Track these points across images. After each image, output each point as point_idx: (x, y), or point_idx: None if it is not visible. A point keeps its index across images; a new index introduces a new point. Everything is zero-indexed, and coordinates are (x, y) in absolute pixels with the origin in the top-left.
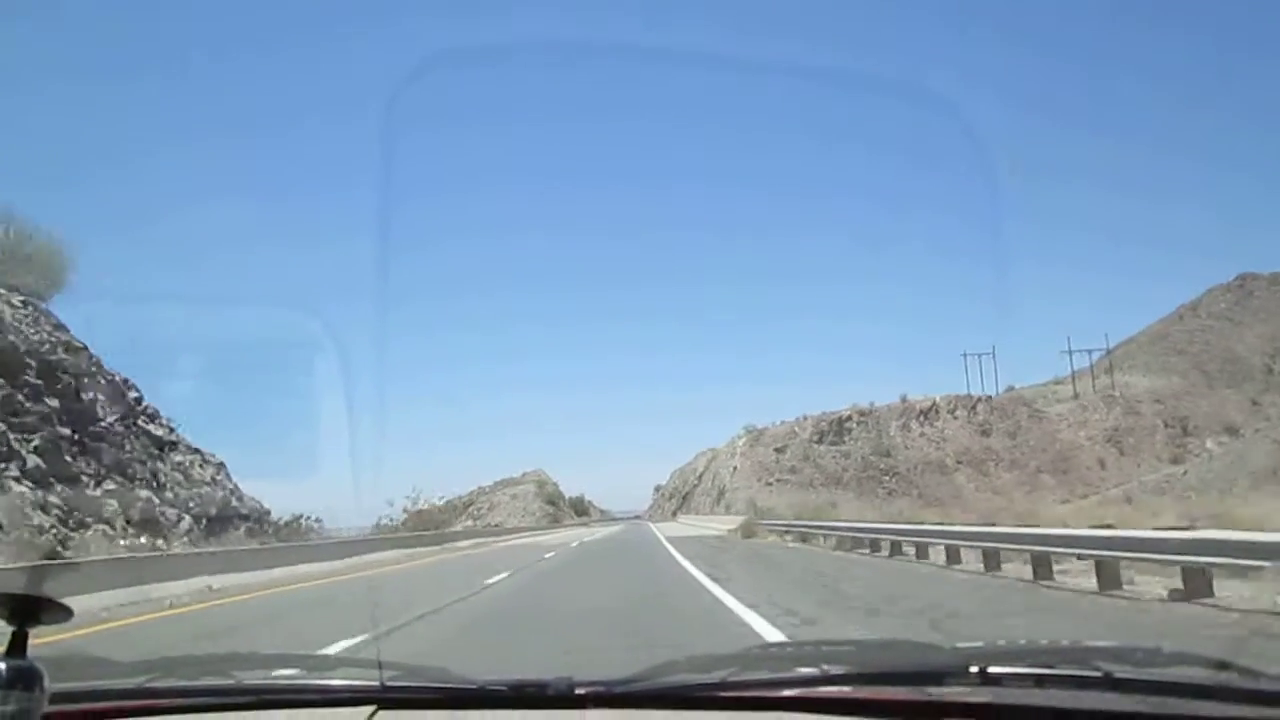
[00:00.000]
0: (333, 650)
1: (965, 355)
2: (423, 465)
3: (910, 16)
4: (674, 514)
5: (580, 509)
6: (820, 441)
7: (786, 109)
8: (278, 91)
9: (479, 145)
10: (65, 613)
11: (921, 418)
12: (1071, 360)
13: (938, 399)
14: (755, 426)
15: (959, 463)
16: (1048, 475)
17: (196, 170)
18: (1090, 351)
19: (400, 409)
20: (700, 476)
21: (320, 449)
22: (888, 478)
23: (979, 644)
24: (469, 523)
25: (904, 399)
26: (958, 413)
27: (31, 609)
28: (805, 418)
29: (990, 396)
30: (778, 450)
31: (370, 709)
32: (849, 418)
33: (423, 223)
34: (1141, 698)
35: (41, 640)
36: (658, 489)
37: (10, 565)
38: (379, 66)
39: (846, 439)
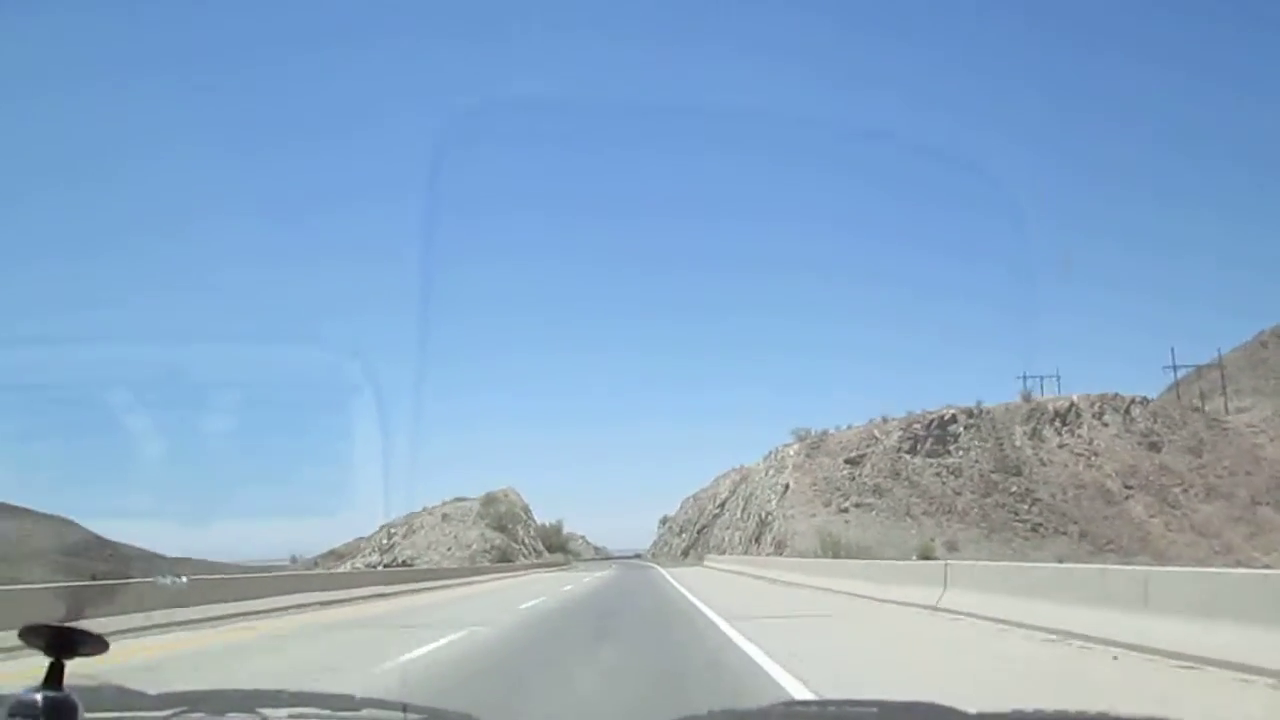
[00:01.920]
0: None
1: (1024, 377)
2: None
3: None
4: (685, 552)
5: (554, 542)
6: (914, 451)
7: (819, 153)
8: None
9: (513, 174)
10: (101, 645)
11: (1057, 422)
12: (1176, 374)
13: (1075, 398)
14: (811, 431)
15: (1128, 487)
16: (1269, 508)
17: (236, 216)
18: (1197, 368)
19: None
20: (724, 504)
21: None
22: (1025, 506)
23: (1003, 711)
24: (374, 558)
25: (1027, 397)
26: (1106, 418)
27: (69, 641)
28: (886, 419)
29: (1147, 398)
30: (851, 463)
31: None
32: (952, 419)
33: (458, 245)
34: None
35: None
36: (664, 521)
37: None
38: (417, 137)
39: (953, 448)
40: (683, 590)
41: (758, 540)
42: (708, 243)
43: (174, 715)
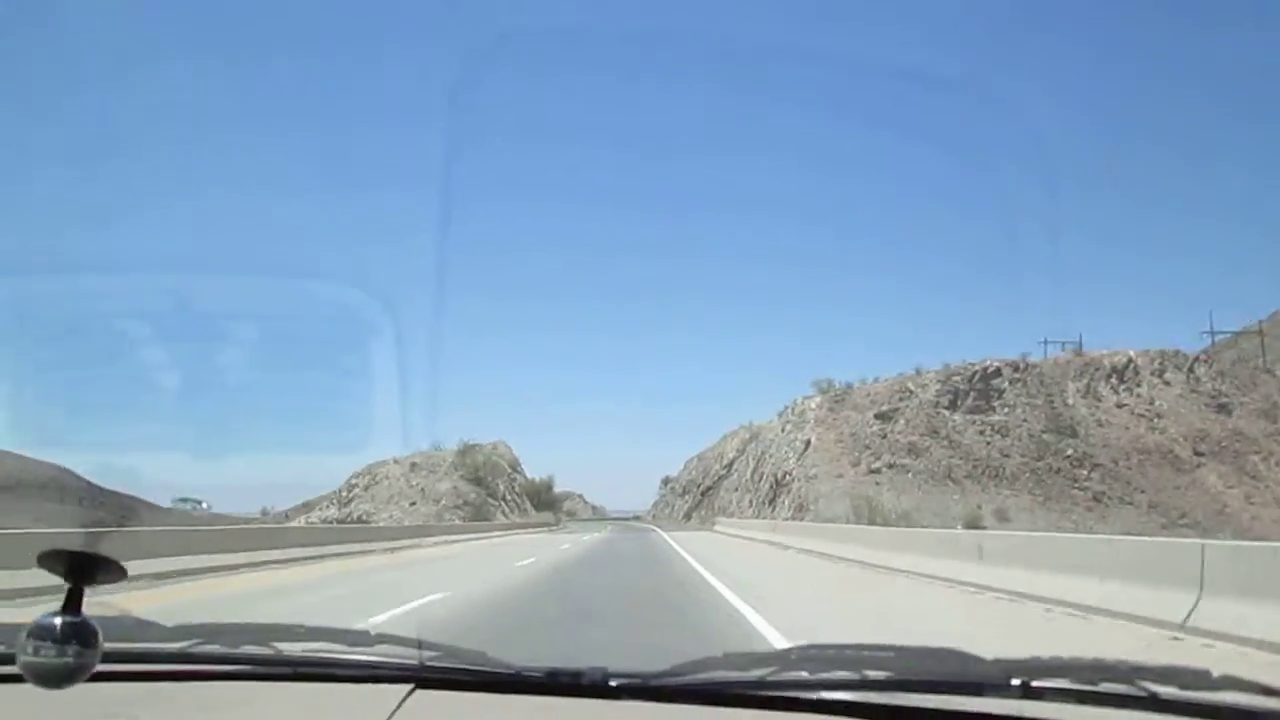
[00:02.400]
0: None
1: (1045, 342)
2: None
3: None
4: (688, 515)
5: (543, 500)
6: (953, 407)
7: (844, 100)
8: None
9: (535, 108)
10: (120, 572)
11: (1114, 379)
12: (1213, 340)
13: (1133, 354)
14: (834, 383)
15: (1198, 454)
16: None
17: (253, 147)
18: (1234, 335)
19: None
20: (731, 465)
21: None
22: (1084, 472)
23: (1023, 657)
24: (331, 512)
25: (1078, 351)
26: (1168, 375)
27: (88, 567)
28: (920, 372)
29: (1206, 356)
30: (881, 418)
31: (408, 687)
32: (996, 372)
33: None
34: None
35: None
36: (666, 482)
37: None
38: (447, 48)
39: (997, 405)
40: (709, 578)
41: (772, 503)
42: (725, 184)
43: (191, 645)
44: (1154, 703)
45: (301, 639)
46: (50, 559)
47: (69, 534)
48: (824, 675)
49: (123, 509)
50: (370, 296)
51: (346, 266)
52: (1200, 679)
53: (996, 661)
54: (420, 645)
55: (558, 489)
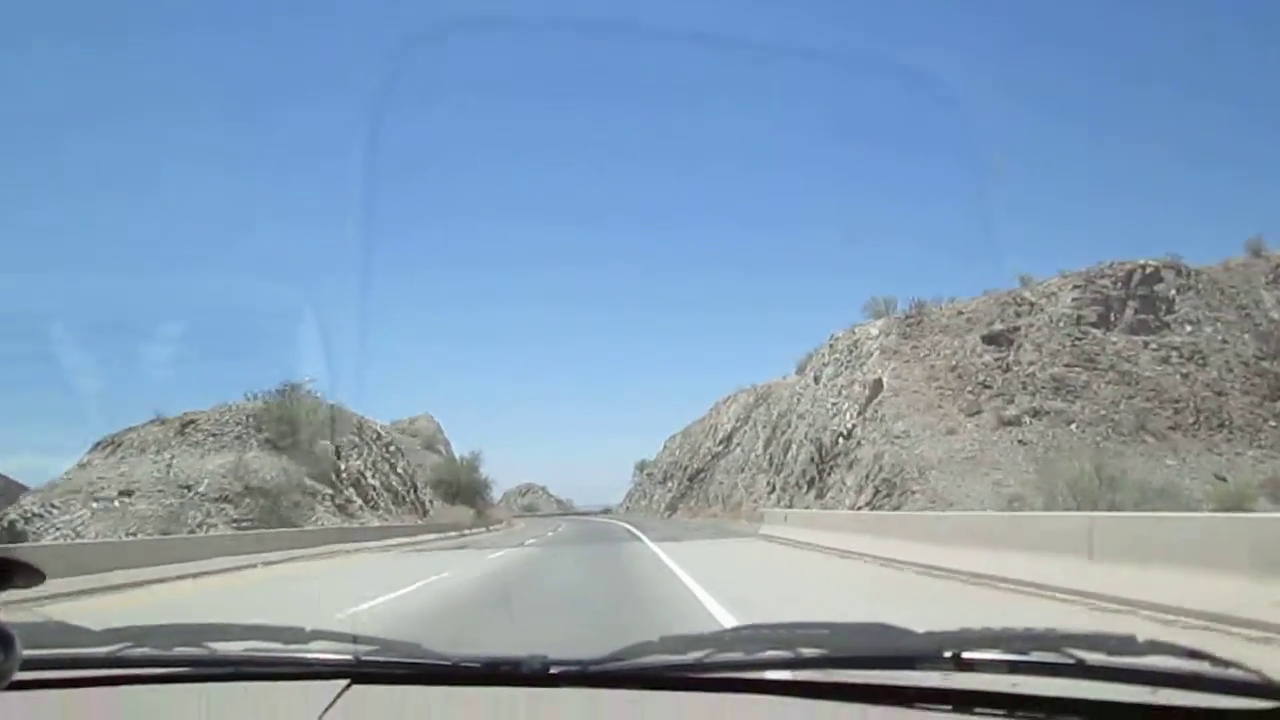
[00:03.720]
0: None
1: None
2: None
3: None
4: (672, 505)
5: (464, 483)
6: (1106, 325)
7: (783, 87)
8: (262, 57)
9: (463, 123)
10: (37, 576)
11: None
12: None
13: None
14: (891, 300)
15: None
16: None
17: (173, 137)
18: None
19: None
20: (730, 438)
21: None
22: None
23: (954, 629)
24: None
25: (1258, 251)
26: None
27: (3, 571)
28: (1028, 280)
29: None
30: (993, 341)
31: (344, 682)
32: (1155, 275)
33: (405, 199)
34: (1113, 685)
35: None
36: (641, 467)
37: None
38: (368, 38)
39: (1171, 322)
40: None
41: (814, 484)
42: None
43: (120, 649)
44: (1082, 669)
45: (236, 638)
46: None
47: None
48: (759, 655)
49: None
50: (294, 286)
51: (270, 258)
52: (1126, 645)
53: (928, 634)
54: (356, 640)
55: (517, 482)
